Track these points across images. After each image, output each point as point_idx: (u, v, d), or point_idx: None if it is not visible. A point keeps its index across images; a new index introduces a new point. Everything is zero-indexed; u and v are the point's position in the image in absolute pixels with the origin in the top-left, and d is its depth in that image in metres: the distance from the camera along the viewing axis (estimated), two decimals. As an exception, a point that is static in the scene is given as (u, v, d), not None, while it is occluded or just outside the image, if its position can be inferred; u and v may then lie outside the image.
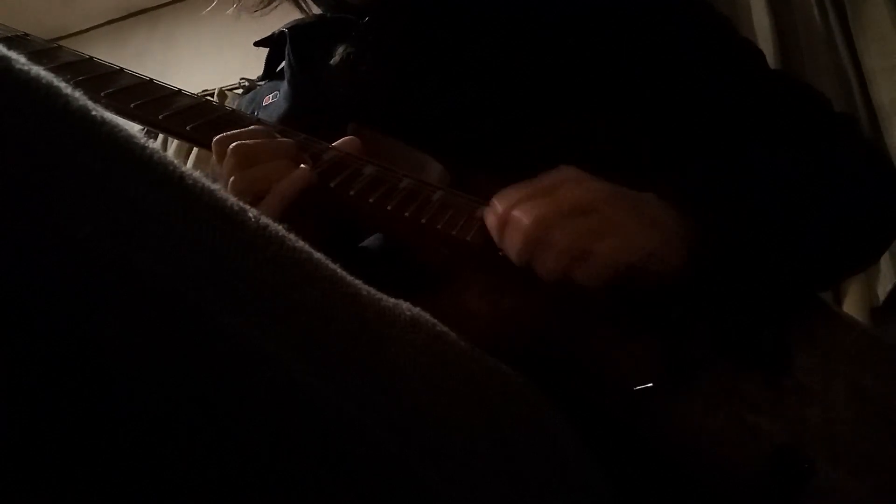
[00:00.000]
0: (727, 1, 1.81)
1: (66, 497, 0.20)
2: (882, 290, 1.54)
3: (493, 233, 0.48)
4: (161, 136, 2.20)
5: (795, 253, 0.52)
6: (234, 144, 0.51)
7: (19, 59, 0.23)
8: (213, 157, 0.53)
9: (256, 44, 0.78)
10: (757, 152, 0.56)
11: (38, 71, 0.23)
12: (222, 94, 2.59)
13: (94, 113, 0.24)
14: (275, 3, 0.73)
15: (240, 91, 2.54)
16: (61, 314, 0.20)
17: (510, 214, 0.46)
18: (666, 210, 0.48)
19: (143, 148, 0.25)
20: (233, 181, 0.51)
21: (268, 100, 0.72)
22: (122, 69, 0.55)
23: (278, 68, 0.73)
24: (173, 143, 2.26)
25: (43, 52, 0.53)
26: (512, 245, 0.46)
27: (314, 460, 0.24)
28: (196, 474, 0.22)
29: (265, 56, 0.78)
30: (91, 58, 0.54)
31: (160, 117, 0.53)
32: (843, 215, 0.55)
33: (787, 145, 0.57)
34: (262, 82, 0.77)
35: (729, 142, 0.58)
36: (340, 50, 0.66)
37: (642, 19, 0.61)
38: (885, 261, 1.54)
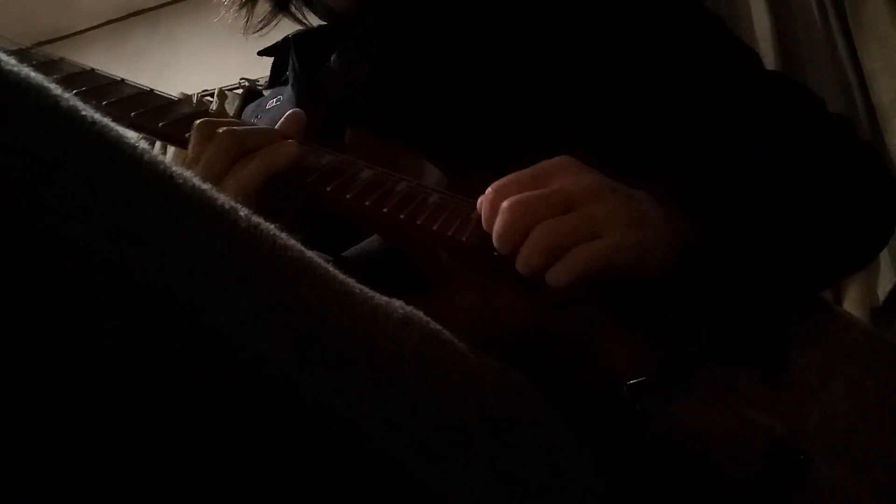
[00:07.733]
0: (727, 1, 1.81)
1: (63, 498, 0.20)
2: (882, 291, 1.55)
3: (483, 220, 0.48)
4: (159, 143, 2.20)
5: (790, 248, 0.52)
6: (223, 129, 0.50)
7: (9, 61, 0.23)
8: (192, 139, 0.51)
9: (261, 53, 0.78)
10: (750, 149, 0.56)
11: (28, 72, 0.23)
12: (222, 94, 2.59)
13: (83, 112, 0.24)
14: (274, 22, 0.74)
15: (240, 91, 2.54)
16: (54, 314, 0.20)
17: (499, 204, 0.46)
18: (656, 209, 0.48)
19: (134, 147, 0.25)
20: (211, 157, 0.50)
21: (271, 103, 0.72)
22: (122, 80, 0.56)
23: (283, 77, 0.74)
24: (171, 150, 2.26)
25: (44, 64, 0.53)
26: (496, 232, 0.46)
27: (310, 458, 0.24)
28: (191, 473, 0.22)
29: (265, 57, 0.79)
30: (92, 69, 0.55)
31: (160, 125, 0.54)
32: (838, 210, 0.55)
33: (781, 142, 0.57)
34: (267, 91, 0.78)
35: (722, 138, 0.58)
36: (337, 53, 0.67)
37: (635, 16, 0.61)
38: (885, 261, 1.54)
